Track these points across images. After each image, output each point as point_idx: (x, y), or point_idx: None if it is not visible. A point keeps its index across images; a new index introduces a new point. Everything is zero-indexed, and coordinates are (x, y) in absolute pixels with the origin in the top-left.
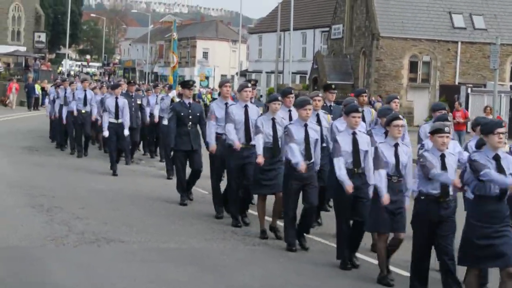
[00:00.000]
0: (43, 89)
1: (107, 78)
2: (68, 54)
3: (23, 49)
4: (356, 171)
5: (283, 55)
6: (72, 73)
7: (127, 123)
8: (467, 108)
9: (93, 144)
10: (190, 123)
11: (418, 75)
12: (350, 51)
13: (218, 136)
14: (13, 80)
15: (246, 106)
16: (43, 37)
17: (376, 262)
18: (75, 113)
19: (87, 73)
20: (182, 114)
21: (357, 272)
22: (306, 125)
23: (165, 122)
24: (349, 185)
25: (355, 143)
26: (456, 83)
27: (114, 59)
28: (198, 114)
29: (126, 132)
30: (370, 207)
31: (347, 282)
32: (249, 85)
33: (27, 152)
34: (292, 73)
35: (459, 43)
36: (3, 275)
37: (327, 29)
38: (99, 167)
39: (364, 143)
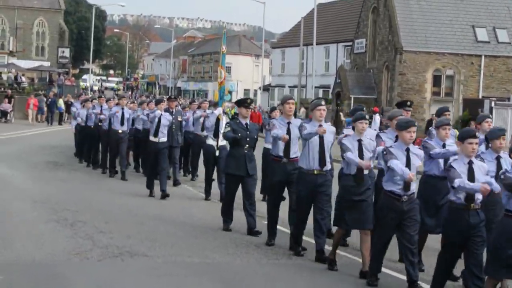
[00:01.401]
0: (67, 104)
1: (130, 93)
2: (91, 69)
3: (47, 64)
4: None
5: (306, 69)
6: (95, 88)
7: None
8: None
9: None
10: (247, 145)
11: (442, 89)
12: (373, 65)
13: (276, 159)
14: (31, 95)
15: (321, 126)
16: (67, 52)
17: (399, 276)
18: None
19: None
20: (239, 134)
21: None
22: (408, 149)
23: (210, 142)
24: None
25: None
26: (480, 96)
27: (137, 73)
28: (255, 137)
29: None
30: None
31: None
32: (322, 103)
33: (51, 167)
34: (315, 87)
35: (483, 57)
36: None
37: (350, 43)
38: (122, 181)
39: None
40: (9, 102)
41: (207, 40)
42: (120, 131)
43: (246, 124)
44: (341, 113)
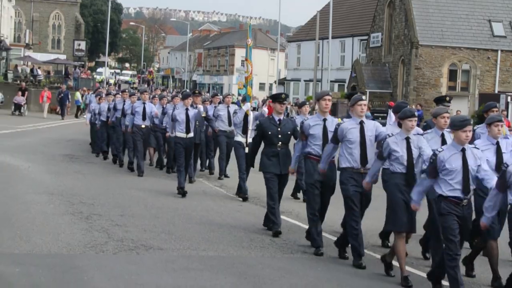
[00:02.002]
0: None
1: (146, 86)
2: (107, 62)
3: (63, 57)
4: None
5: (321, 63)
6: (111, 81)
7: (197, 139)
8: (507, 116)
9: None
10: (280, 143)
11: (458, 83)
12: (389, 60)
13: (315, 158)
14: (44, 88)
15: (361, 123)
16: (83, 45)
17: (417, 272)
18: (129, 128)
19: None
20: (270, 132)
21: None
22: (464, 150)
23: (238, 138)
24: None
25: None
26: (496, 91)
27: (153, 66)
28: (289, 133)
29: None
30: None
31: None
32: (363, 97)
33: (67, 160)
34: (331, 81)
35: (499, 52)
36: (44, 283)
37: (365, 37)
38: (137, 175)
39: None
40: (23, 95)
41: (222, 33)
42: (142, 126)
43: (279, 120)
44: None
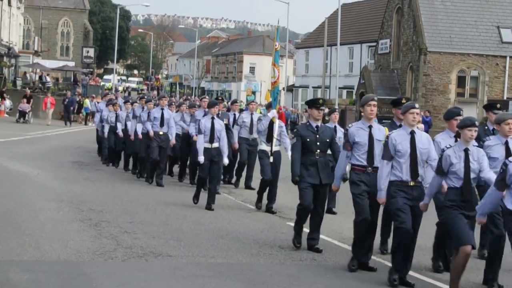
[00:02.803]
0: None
1: (155, 93)
2: (115, 69)
3: (71, 64)
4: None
5: (330, 70)
6: (120, 88)
7: (225, 150)
8: None
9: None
10: (318, 150)
11: (466, 90)
12: (397, 66)
13: (359, 169)
14: (48, 94)
15: (412, 133)
16: (91, 52)
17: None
18: (151, 133)
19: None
20: (308, 140)
21: None
22: None
23: (262, 146)
24: None
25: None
26: (505, 98)
27: (161, 73)
28: (327, 140)
29: (226, 160)
30: None
31: None
32: (416, 105)
33: (76, 167)
34: (339, 88)
35: (508, 58)
36: None
37: (374, 44)
38: (145, 181)
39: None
40: (28, 102)
41: (231, 40)
42: (160, 132)
43: (317, 127)
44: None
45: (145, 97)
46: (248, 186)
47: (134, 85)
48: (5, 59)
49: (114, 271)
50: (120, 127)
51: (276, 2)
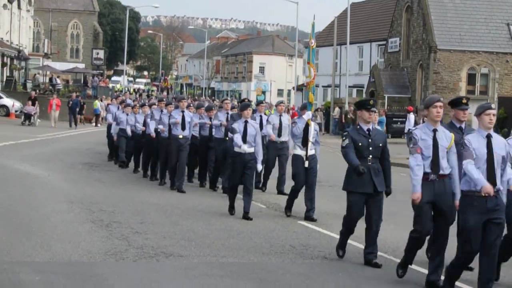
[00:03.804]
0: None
1: (165, 94)
2: (125, 71)
3: (81, 66)
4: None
5: (339, 69)
6: (130, 90)
7: (260, 156)
8: None
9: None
10: (371, 156)
11: (476, 87)
12: (407, 64)
13: (424, 177)
14: (53, 96)
15: (489, 137)
16: (101, 54)
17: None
18: (164, 129)
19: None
20: (360, 144)
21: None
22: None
23: (298, 151)
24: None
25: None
26: None
27: (171, 74)
28: (380, 145)
29: (259, 166)
30: None
31: None
32: (493, 106)
33: (87, 168)
34: (349, 86)
35: None
36: None
37: (383, 42)
38: (156, 182)
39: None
40: (33, 105)
41: (240, 40)
42: (180, 136)
43: (369, 130)
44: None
45: (164, 99)
46: (280, 192)
47: (142, 87)
48: (15, 61)
49: (126, 271)
50: (129, 129)
51: (285, 2)
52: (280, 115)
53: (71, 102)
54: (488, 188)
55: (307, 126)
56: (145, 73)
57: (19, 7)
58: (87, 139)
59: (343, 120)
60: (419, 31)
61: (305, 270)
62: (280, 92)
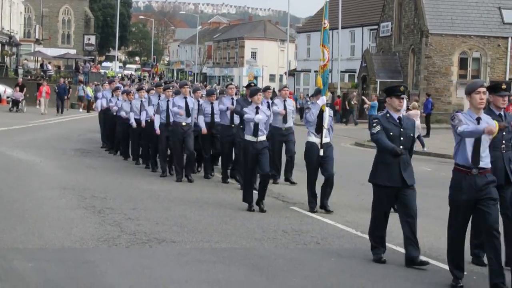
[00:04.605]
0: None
1: (157, 79)
2: (117, 56)
3: (73, 51)
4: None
5: (331, 53)
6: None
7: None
8: None
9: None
10: (402, 147)
11: (468, 71)
12: (399, 49)
13: (463, 170)
14: (43, 83)
15: (478, 120)
16: (92, 39)
17: (434, 262)
18: (181, 113)
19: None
20: (391, 133)
21: (416, 274)
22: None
23: (312, 139)
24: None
25: None
26: (507, 79)
27: (163, 60)
28: (412, 134)
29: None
30: None
31: (405, 284)
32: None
33: (78, 154)
34: (341, 71)
35: (510, 39)
36: (57, 277)
37: (375, 27)
38: (148, 169)
39: None
40: (21, 91)
41: (232, 25)
42: (183, 123)
43: (399, 118)
44: (364, 98)
45: (163, 84)
46: (287, 179)
47: (133, 72)
48: (6, 48)
49: (118, 257)
50: (132, 117)
51: None
52: (285, 100)
53: (57, 88)
54: (490, 127)
55: (321, 112)
56: (137, 58)
57: None
58: (78, 125)
59: (347, 107)
60: (410, 15)
61: (297, 255)
62: (272, 77)
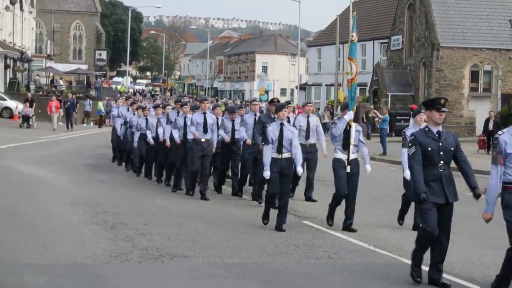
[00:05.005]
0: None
1: (168, 94)
2: (128, 71)
3: (84, 67)
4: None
5: (342, 67)
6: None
7: (299, 159)
8: None
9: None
10: (442, 162)
11: (480, 84)
12: (410, 62)
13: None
14: (52, 98)
15: None
16: (104, 54)
17: (447, 276)
18: (196, 135)
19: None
20: (429, 149)
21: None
22: None
23: (338, 155)
24: None
25: None
26: None
27: (174, 74)
28: (452, 149)
29: (299, 170)
30: None
31: None
32: None
33: (90, 169)
34: None
35: None
36: None
37: (386, 40)
38: (159, 183)
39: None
40: (31, 106)
41: (242, 40)
42: (203, 140)
43: (438, 132)
44: (375, 111)
45: (182, 100)
46: (308, 198)
47: (143, 87)
48: (18, 63)
49: (130, 273)
50: (150, 134)
51: (287, 1)
52: (308, 116)
53: (68, 103)
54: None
55: (348, 127)
56: (148, 73)
57: (21, 8)
58: (90, 141)
59: (364, 120)
60: (421, 28)
61: (310, 270)
62: (283, 91)
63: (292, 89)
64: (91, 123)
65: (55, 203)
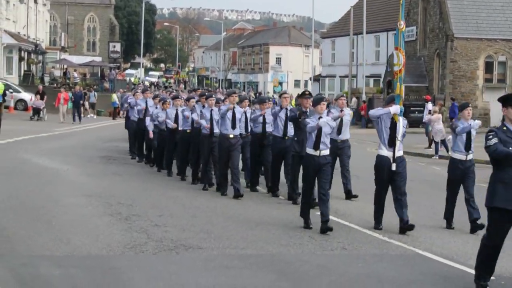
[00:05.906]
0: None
1: (182, 86)
2: (142, 63)
3: (98, 59)
4: None
5: (356, 58)
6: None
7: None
8: None
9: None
10: None
11: (494, 75)
12: (424, 53)
13: None
14: (61, 90)
15: None
16: (118, 47)
17: (461, 267)
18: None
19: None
20: (510, 148)
21: (443, 279)
22: None
23: (383, 152)
24: None
25: None
26: None
27: (188, 66)
28: None
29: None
30: None
31: None
32: None
33: (104, 161)
34: (366, 76)
35: None
36: (84, 284)
37: None
38: (175, 175)
39: None
40: (42, 99)
41: (256, 31)
42: (231, 136)
43: None
44: None
45: (206, 93)
46: (349, 194)
47: (156, 79)
48: (32, 56)
49: (145, 264)
50: (170, 122)
51: None
52: (341, 110)
53: (75, 95)
54: None
55: (394, 122)
56: (162, 65)
57: (35, 1)
58: (103, 133)
59: None
60: (435, 19)
61: (324, 261)
62: (297, 83)
63: (306, 81)
64: (94, 116)
65: (69, 195)
